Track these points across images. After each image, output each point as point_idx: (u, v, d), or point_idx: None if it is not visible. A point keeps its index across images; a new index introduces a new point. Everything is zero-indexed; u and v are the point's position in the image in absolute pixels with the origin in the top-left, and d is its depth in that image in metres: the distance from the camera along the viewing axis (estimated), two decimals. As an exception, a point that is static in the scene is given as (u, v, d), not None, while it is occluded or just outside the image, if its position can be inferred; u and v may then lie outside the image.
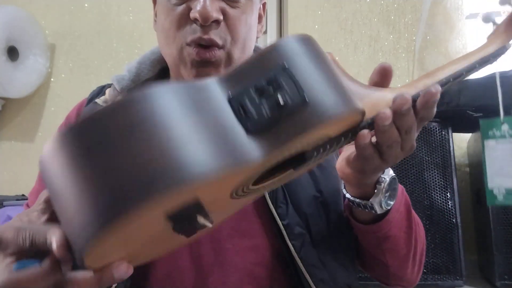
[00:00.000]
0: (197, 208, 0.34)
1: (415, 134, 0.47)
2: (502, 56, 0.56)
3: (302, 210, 0.62)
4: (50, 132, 2.27)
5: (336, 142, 0.42)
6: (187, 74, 0.65)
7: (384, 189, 0.54)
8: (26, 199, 1.95)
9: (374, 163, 0.47)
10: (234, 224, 0.61)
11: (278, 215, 0.60)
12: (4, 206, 1.71)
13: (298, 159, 0.41)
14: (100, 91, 0.78)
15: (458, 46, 1.73)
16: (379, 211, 0.56)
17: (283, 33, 2.10)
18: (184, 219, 0.35)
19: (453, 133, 1.29)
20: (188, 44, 0.62)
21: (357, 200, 0.57)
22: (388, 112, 0.43)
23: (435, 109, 0.46)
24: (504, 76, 1.28)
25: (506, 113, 1.21)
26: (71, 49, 2.32)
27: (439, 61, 1.73)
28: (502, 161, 0.57)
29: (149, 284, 0.59)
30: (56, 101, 2.29)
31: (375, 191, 0.54)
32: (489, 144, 0.57)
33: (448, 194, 1.24)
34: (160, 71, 0.75)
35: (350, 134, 0.43)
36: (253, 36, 0.68)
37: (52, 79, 2.31)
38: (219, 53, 0.62)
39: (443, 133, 1.27)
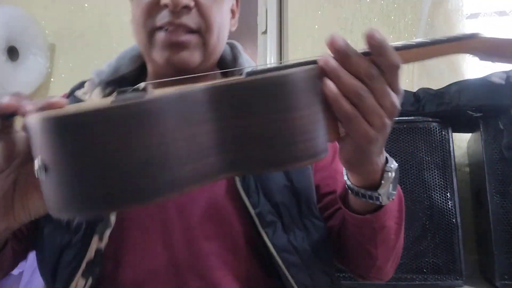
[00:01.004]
0: None
1: (389, 90, 0.44)
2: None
3: (274, 199, 0.62)
4: (50, 132, 2.27)
5: None
6: (159, 57, 0.65)
7: (391, 179, 0.53)
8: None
9: (361, 127, 0.44)
10: (206, 213, 0.62)
11: (250, 204, 0.61)
12: (4, 206, 1.71)
13: None
14: (81, 85, 0.78)
15: (458, 46, 1.73)
16: (384, 202, 0.54)
17: (283, 33, 2.10)
18: None
19: (453, 133, 1.29)
20: (158, 28, 0.63)
21: (362, 190, 0.54)
22: (326, 56, 0.43)
23: (389, 51, 0.43)
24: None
25: (506, 113, 1.21)
26: (71, 49, 2.32)
27: (439, 61, 1.73)
28: None
29: (122, 269, 0.60)
30: (56, 101, 2.29)
31: (382, 181, 0.52)
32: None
33: (448, 194, 1.23)
34: (140, 67, 0.75)
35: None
36: (226, 26, 0.69)
37: (52, 79, 2.31)
38: (192, 37, 0.64)
39: (443, 133, 1.27)
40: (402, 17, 1.87)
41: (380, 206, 0.56)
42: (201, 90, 0.37)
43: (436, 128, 1.28)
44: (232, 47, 0.77)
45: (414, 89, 1.51)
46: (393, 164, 0.53)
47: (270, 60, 2.10)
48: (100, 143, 0.32)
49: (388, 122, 0.45)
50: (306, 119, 0.40)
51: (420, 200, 1.24)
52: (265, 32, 2.14)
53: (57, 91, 2.29)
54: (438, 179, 1.24)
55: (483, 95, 1.24)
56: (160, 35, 0.64)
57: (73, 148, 0.32)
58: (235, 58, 0.75)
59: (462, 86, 1.30)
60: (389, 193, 0.54)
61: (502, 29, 1.79)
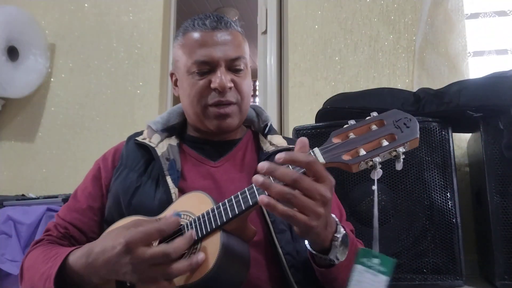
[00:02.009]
0: None
1: (315, 186, 0.61)
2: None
3: None
4: (50, 132, 2.27)
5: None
6: (211, 125, 0.91)
7: (338, 246, 0.69)
8: (26, 199, 1.94)
9: (298, 220, 0.61)
10: None
11: (267, 213, 0.81)
12: (4, 206, 1.71)
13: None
14: (138, 133, 0.99)
15: (458, 46, 1.73)
16: (335, 262, 0.70)
17: (283, 33, 2.10)
18: None
19: (453, 133, 1.28)
20: (210, 105, 0.89)
21: (319, 254, 0.71)
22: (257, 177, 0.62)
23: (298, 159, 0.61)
24: (504, 76, 1.28)
25: (506, 113, 1.21)
26: (71, 49, 2.32)
27: (439, 61, 1.73)
28: None
29: None
30: (56, 101, 2.29)
31: (332, 248, 0.69)
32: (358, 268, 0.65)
33: (448, 194, 1.23)
34: (184, 120, 1.01)
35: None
36: (251, 91, 0.95)
37: (52, 79, 2.31)
38: (233, 108, 0.90)
39: (443, 133, 1.27)
40: (402, 17, 1.87)
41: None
42: None
43: (436, 128, 1.27)
44: (254, 107, 1.04)
45: (414, 89, 1.51)
46: (339, 234, 0.69)
47: (270, 60, 2.10)
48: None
49: (321, 210, 0.61)
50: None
51: (420, 200, 1.24)
52: (265, 32, 2.14)
53: (57, 91, 2.30)
54: (438, 179, 1.24)
55: (483, 95, 1.24)
56: (213, 110, 0.89)
57: None
58: (258, 114, 1.02)
59: (462, 86, 1.30)
60: (339, 255, 0.69)
61: (502, 29, 1.79)
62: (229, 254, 0.68)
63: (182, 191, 0.85)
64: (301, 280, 0.78)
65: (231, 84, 0.88)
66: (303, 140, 0.65)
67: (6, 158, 2.29)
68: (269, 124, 1.00)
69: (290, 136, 1.50)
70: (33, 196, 1.91)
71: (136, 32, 2.27)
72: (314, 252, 0.71)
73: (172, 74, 0.99)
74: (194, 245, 0.70)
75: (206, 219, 0.70)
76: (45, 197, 1.80)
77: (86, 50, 2.30)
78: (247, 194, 0.67)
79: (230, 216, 0.68)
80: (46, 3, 2.37)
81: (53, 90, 2.30)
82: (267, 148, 0.93)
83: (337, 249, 0.69)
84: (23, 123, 2.31)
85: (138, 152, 0.92)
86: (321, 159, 0.65)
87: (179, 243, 0.64)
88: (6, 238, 1.61)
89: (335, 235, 0.68)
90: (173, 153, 0.91)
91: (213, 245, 0.67)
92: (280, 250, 0.78)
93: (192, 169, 0.91)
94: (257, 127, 1.02)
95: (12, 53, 2.15)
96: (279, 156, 0.61)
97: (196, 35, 0.89)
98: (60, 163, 2.21)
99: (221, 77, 0.86)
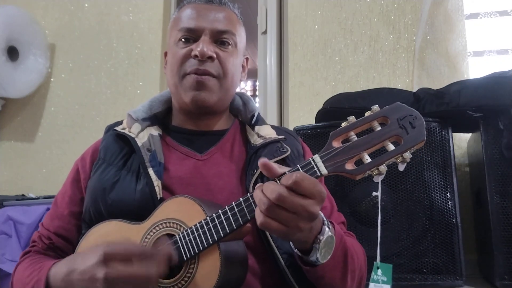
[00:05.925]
0: None
1: (300, 202, 0.57)
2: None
3: None
4: (50, 132, 2.27)
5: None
6: (186, 97, 0.85)
7: (319, 248, 0.65)
8: (26, 199, 1.94)
9: (276, 231, 0.59)
10: None
11: None
12: (4, 206, 1.71)
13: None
14: (117, 123, 0.94)
15: (458, 46, 1.73)
16: (319, 263, 0.67)
17: (283, 33, 2.10)
18: None
19: (453, 133, 1.28)
20: (188, 74, 0.84)
21: (300, 254, 0.69)
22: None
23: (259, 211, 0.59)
24: (504, 76, 1.28)
25: (506, 113, 1.21)
26: (71, 49, 2.32)
27: (439, 61, 1.73)
28: None
29: None
30: (56, 101, 2.29)
31: (312, 249, 0.65)
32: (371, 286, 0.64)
33: (448, 194, 1.23)
34: (167, 108, 0.97)
35: None
36: (237, 76, 0.91)
37: (52, 79, 2.31)
38: (213, 81, 0.85)
39: (443, 133, 1.27)
40: (402, 17, 1.87)
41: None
42: None
43: (436, 128, 1.27)
44: (241, 95, 0.99)
45: (414, 89, 1.51)
46: (323, 235, 0.65)
47: (270, 60, 2.10)
48: None
49: (304, 225, 0.59)
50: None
51: (420, 200, 1.24)
52: (265, 32, 2.14)
53: (57, 91, 2.29)
54: (438, 179, 1.24)
55: (483, 95, 1.24)
56: (189, 79, 0.84)
57: None
58: (245, 103, 0.98)
59: (462, 86, 1.30)
60: (320, 257, 0.66)
61: (502, 28, 1.79)
62: (229, 264, 0.67)
63: (166, 186, 0.81)
64: (300, 280, 0.75)
65: (212, 54, 0.83)
66: (264, 164, 0.61)
67: (6, 158, 2.29)
68: (256, 114, 0.94)
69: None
70: (33, 196, 1.91)
71: (136, 32, 2.27)
72: (295, 250, 0.69)
73: (165, 54, 0.95)
74: (192, 259, 0.68)
75: (201, 233, 0.67)
76: (45, 197, 1.80)
77: (86, 50, 2.30)
78: (244, 207, 0.65)
79: (228, 231, 0.66)
80: (46, 3, 2.37)
81: (53, 90, 2.30)
82: (255, 141, 0.88)
83: (318, 251, 0.65)
84: (23, 123, 2.31)
85: (117, 144, 0.87)
86: (323, 169, 0.62)
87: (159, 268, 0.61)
88: (6, 238, 1.61)
89: (318, 236, 0.65)
90: (155, 143, 0.85)
91: (212, 260, 0.66)
92: (276, 250, 0.75)
93: (177, 162, 0.85)
94: (243, 117, 0.97)
95: (12, 53, 2.15)
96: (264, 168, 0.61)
97: (188, 7, 0.89)
98: (60, 163, 2.21)
99: (201, 44, 0.83)
